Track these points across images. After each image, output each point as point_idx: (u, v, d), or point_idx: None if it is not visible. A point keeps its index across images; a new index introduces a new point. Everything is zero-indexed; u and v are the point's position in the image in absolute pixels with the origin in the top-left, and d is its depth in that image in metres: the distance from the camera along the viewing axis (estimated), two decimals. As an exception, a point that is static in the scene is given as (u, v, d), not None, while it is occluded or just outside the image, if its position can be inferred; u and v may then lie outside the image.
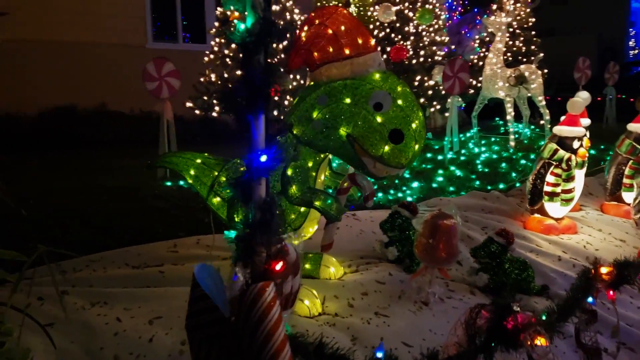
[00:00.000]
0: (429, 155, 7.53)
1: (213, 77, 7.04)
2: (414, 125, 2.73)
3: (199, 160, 3.23)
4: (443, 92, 9.03)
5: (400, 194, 5.42)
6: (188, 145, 6.10)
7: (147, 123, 7.58)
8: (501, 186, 5.85)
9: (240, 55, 1.29)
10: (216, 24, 7.15)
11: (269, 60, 1.30)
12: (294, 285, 2.16)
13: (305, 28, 2.78)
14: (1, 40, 9.28)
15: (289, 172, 2.84)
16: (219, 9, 7.25)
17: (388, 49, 7.88)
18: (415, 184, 5.75)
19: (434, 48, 9.62)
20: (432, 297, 3.17)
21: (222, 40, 7.08)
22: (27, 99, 8.88)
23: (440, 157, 7.18)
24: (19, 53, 9.31)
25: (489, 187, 5.78)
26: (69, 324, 2.55)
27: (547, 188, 4.56)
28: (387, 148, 2.69)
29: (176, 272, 3.23)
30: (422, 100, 7.92)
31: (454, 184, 5.87)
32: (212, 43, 7.22)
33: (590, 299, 2.22)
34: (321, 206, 2.81)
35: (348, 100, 2.70)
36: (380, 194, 5.30)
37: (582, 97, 4.77)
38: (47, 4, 9.54)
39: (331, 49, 2.72)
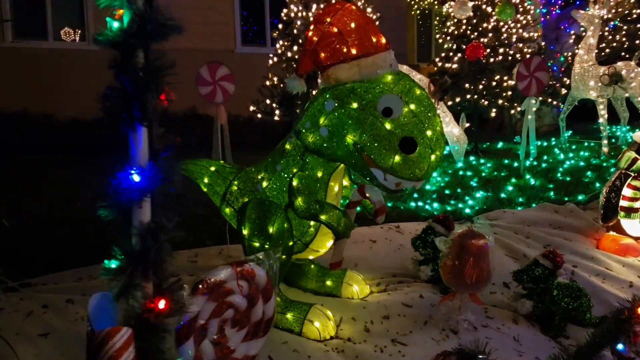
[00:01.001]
0: (505, 161, 7.02)
1: (275, 80, 7.02)
2: (429, 133, 2.46)
3: (213, 168, 3.14)
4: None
5: (460, 204, 5.05)
6: (240, 148, 6.13)
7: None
8: (580, 197, 5.29)
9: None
10: (280, 26, 7.13)
11: (149, 64, 1.14)
12: (267, 311, 1.99)
13: (312, 27, 2.60)
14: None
15: (295, 182, 2.67)
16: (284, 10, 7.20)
17: (464, 47, 7.45)
18: (479, 194, 5.34)
19: (520, 45, 9.00)
20: (462, 324, 2.86)
21: (286, 43, 7.04)
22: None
23: (516, 165, 6.66)
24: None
25: (566, 199, 5.24)
26: (64, 335, 2.54)
27: (623, 202, 4.02)
28: (397, 158, 2.44)
29: (189, 284, 3.16)
30: (500, 101, 7.40)
31: (526, 195, 5.39)
32: (277, 46, 7.20)
33: (620, 346, 1.85)
34: (327, 220, 2.61)
35: (355, 105, 2.49)
36: (435, 204, 4.96)
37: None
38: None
39: (337, 49, 2.52)
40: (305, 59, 2.66)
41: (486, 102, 7.33)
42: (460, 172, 6.27)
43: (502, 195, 5.39)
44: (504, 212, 4.76)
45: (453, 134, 6.17)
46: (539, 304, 2.99)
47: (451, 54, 7.70)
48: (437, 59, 7.97)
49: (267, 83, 7.16)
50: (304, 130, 2.69)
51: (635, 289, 3.43)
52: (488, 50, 7.36)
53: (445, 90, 5.58)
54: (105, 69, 1.33)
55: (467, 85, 7.33)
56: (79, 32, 10.33)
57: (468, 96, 7.34)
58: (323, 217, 2.62)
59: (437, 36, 8.04)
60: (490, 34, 7.57)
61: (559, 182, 5.92)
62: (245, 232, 2.83)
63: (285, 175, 2.74)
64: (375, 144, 2.45)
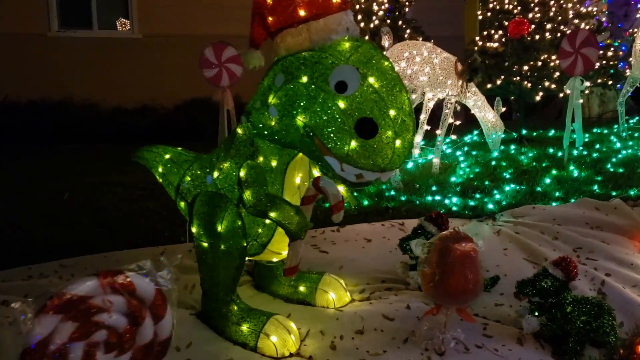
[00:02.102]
0: (550, 150, 6.37)
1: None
2: (392, 113, 2.03)
3: (168, 156, 2.82)
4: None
5: (487, 199, 4.52)
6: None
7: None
8: (632, 192, 4.64)
9: None
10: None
11: None
12: (160, 331, 1.65)
13: (259, -14, 2.21)
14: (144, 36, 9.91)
15: (242, 173, 2.30)
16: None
17: (506, 23, 6.81)
18: (510, 187, 4.78)
19: (576, 21, 8.21)
20: (448, 344, 2.43)
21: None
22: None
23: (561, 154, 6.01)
24: (159, 47, 9.76)
25: (613, 193, 4.62)
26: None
27: (673, 199, 3.42)
28: (354, 144, 2.03)
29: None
30: (547, 83, 6.72)
31: (564, 188, 4.79)
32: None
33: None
34: (277, 218, 2.23)
35: (304, 80, 2.09)
36: (455, 199, 4.46)
37: None
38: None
39: (284, 11, 2.13)
40: (256, 25, 2.29)
41: (529, 85, 6.67)
42: (493, 163, 5.69)
43: (538, 188, 4.81)
44: (534, 208, 4.20)
45: (487, 119, 5.60)
46: (549, 322, 2.50)
47: (492, 31, 7.07)
48: (477, 38, 7.34)
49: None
50: (254, 111, 2.32)
51: (679, 304, 2.86)
52: (533, 26, 6.68)
53: (475, 70, 5.04)
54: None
55: (508, 65, 6.70)
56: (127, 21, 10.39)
57: (514, 78, 6.70)
58: (273, 215, 2.24)
59: (479, 12, 7.41)
60: (536, 8, 6.88)
61: (608, 174, 5.26)
62: (193, 229, 2.51)
63: (236, 165, 2.38)
64: (327, 127, 2.05)
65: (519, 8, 6.88)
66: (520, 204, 4.39)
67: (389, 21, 7.32)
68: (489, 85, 6.72)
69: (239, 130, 2.40)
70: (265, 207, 2.26)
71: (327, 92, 2.04)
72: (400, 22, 7.34)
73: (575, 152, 6.17)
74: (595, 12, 8.67)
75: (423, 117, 5.58)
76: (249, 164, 2.31)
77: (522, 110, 7.42)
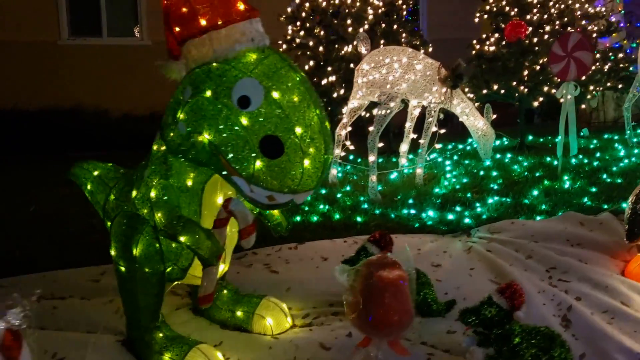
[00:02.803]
0: (548, 159, 6.11)
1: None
2: (299, 130, 1.88)
3: (96, 173, 2.69)
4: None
5: (467, 212, 4.32)
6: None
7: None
8: (625, 205, 4.37)
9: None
10: (289, 9, 6.60)
11: None
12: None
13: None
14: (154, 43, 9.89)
15: (153, 193, 2.17)
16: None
17: (503, 25, 6.59)
18: (493, 199, 4.57)
19: (583, 22, 7.94)
20: (382, 379, 2.25)
21: (294, 28, 6.51)
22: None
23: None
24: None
25: (605, 206, 4.37)
26: None
27: (654, 216, 3.18)
28: (259, 164, 1.88)
29: (72, 310, 2.75)
30: (546, 88, 6.46)
31: (553, 200, 4.55)
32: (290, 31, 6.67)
33: None
34: (187, 243, 2.09)
35: (208, 94, 1.95)
36: (432, 212, 4.26)
37: None
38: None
39: (186, 20, 1.99)
40: (168, 35, 2.15)
41: (526, 90, 6.42)
42: (482, 173, 5.47)
43: (525, 201, 4.59)
44: (512, 224, 3.99)
45: (476, 127, 5.37)
46: (496, 355, 2.30)
47: (490, 34, 6.84)
48: (474, 41, 7.11)
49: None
50: (165, 127, 2.18)
51: (652, 334, 2.64)
52: (531, 29, 6.43)
53: (460, 76, 4.84)
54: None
55: (506, 69, 6.47)
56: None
57: (512, 83, 6.46)
58: (183, 239, 2.10)
59: (477, 15, 7.19)
60: (534, 9, 6.62)
61: (604, 185, 5.01)
62: (112, 252, 2.38)
63: (150, 184, 2.24)
64: (231, 146, 1.91)
65: (516, 10, 6.62)
66: (502, 218, 4.18)
67: (383, 25, 7.14)
68: (484, 91, 6.49)
69: (154, 147, 2.27)
70: (175, 231, 2.12)
71: (229, 108, 1.90)
72: (395, 26, 7.14)
73: (574, 161, 5.91)
74: (604, 13, 8.37)
75: (408, 125, 5.39)
76: (161, 184, 2.18)
77: (523, 116, 7.16)
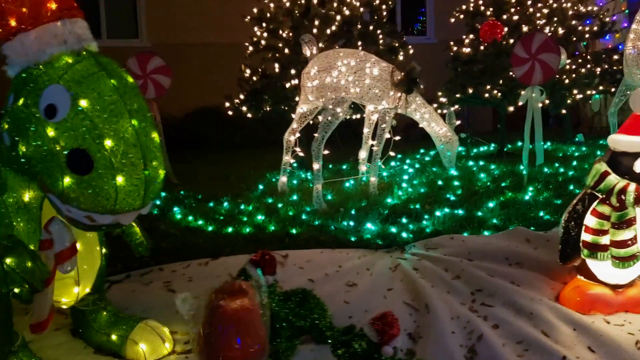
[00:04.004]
0: (521, 167, 5.82)
1: (248, 72, 6.31)
2: (108, 144, 1.69)
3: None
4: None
5: (411, 225, 4.08)
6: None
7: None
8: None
9: None
10: (255, 9, 6.40)
11: None
12: None
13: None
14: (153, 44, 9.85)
15: (-20, 210, 1.99)
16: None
17: (478, 26, 6.32)
18: (443, 212, 4.32)
19: (573, 22, 7.63)
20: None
21: (260, 30, 6.31)
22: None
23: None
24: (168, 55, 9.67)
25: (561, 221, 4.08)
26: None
27: (585, 236, 2.92)
28: (68, 181, 1.70)
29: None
30: (523, 92, 6.16)
31: (508, 214, 4.29)
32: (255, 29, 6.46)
33: None
34: (12, 266, 1.91)
35: (21, 102, 1.79)
36: (372, 225, 4.03)
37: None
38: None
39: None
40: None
41: (499, 94, 6.13)
42: (440, 182, 5.21)
43: (479, 213, 4.33)
44: (452, 239, 3.75)
45: (438, 134, 5.12)
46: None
47: (464, 35, 6.58)
48: (451, 42, 6.85)
49: (247, 74, 6.47)
50: (-5, 137, 2.00)
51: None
52: (506, 29, 6.15)
53: (414, 80, 4.60)
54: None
55: (479, 73, 6.20)
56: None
57: (487, 86, 6.18)
58: (8, 261, 1.92)
59: (455, 14, 6.92)
60: (512, 9, 6.34)
61: (571, 197, 4.68)
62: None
63: (-16, 199, 2.07)
64: (39, 159, 1.72)
65: (492, 9, 6.34)
66: (448, 232, 3.93)
67: (359, 26, 6.91)
68: (457, 95, 6.24)
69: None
70: (0, 251, 1.94)
71: (37, 118, 1.72)
72: (371, 27, 6.91)
73: (547, 170, 5.62)
74: (595, 12, 8.04)
75: (366, 131, 5.16)
76: (-9, 199, 2.00)
77: (504, 121, 6.87)
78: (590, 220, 2.91)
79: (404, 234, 3.85)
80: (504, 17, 6.23)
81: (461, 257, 3.47)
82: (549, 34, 6.43)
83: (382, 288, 3.11)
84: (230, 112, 6.35)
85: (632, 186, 2.77)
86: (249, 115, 6.29)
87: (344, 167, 6.12)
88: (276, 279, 2.51)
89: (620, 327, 2.77)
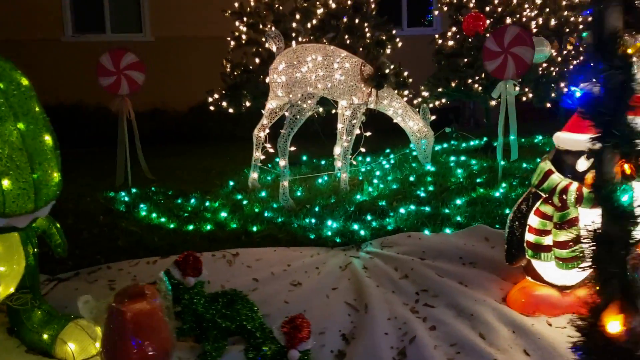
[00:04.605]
0: (502, 162, 5.74)
1: (229, 67, 6.29)
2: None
3: None
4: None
5: (375, 223, 4.05)
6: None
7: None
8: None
9: None
10: (236, 4, 6.37)
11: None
12: None
13: None
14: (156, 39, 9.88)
15: None
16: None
17: (462, 18, 6.23)
18: (408, 209, 4.27)
19: (565, 13, 7.49)
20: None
21: (242, 25, 6.28)
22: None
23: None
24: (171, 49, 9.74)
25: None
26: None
27: (529, 236, 2.88)
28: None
29: None
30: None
31: (474, 211, 4.24)
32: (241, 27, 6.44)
33: None
34: None
35: None
36: (333, 222, 4.00)
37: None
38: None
39: None
40: None
41: (480, 88, 6.04)
42: (412, 179, 5.16)
43: (446, 210, 4.29)
44: (409, 237, 3.73)
45: (412, 129, 5.06)
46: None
47: (448, 27, 6.48)
48: (437, 35, 6.76)
49: (228, 70, 6.46)
50: None
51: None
52: (489, 21, 6.04)
53: (384, 76, 4.54)
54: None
55: (461, 66, 6.11)
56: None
57: (468, 80, 6.10)
58: None
59: (439, 5, 6.81)
60: (496, 1, 6.22)
61: (544, 194, 4.64)
62: None
63: None
64: None
65: (475, 1, 6.23)
66: (409, 229, 3.90)
67: (345, 19, 6.85)
68: (440, 89, 6.17)
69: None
70: None
71: None
72: (357, 20, 6.84)
73: (526, 165, 5.54)
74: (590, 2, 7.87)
75: (340, 126, 5.12)
76: None
77: (486, 115, 6.78)
78: (533, 220, 2.87)
79: (362, 232, 3.83)
80: (487, 9, 6.12)
81: (415, 255, 3.45)
82: (539, 25, 6.32)
83: (327, 287, 3.10)
84: (212, 108, 6.35)
85: (574, 186, 2.72)
86: (230, 110, 6.28)
87: (322, 162, 6.08)
88: (202, 279, 2.51)
89: (561, 329, 2.73)
